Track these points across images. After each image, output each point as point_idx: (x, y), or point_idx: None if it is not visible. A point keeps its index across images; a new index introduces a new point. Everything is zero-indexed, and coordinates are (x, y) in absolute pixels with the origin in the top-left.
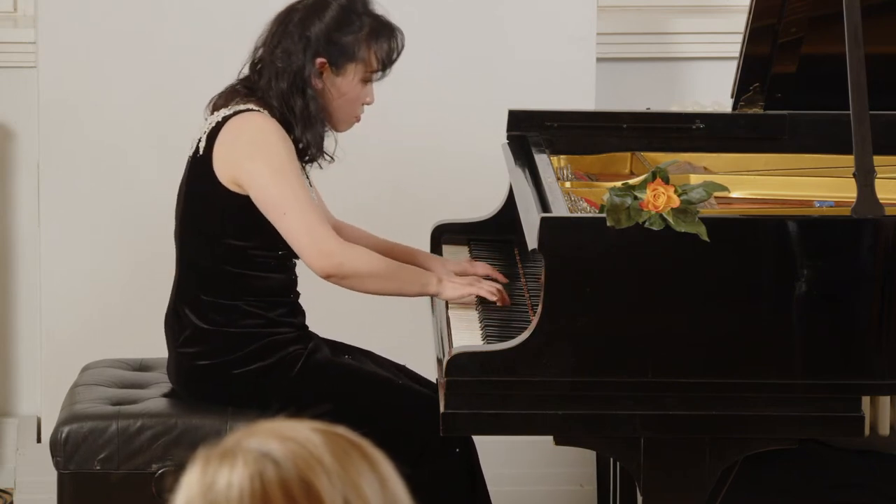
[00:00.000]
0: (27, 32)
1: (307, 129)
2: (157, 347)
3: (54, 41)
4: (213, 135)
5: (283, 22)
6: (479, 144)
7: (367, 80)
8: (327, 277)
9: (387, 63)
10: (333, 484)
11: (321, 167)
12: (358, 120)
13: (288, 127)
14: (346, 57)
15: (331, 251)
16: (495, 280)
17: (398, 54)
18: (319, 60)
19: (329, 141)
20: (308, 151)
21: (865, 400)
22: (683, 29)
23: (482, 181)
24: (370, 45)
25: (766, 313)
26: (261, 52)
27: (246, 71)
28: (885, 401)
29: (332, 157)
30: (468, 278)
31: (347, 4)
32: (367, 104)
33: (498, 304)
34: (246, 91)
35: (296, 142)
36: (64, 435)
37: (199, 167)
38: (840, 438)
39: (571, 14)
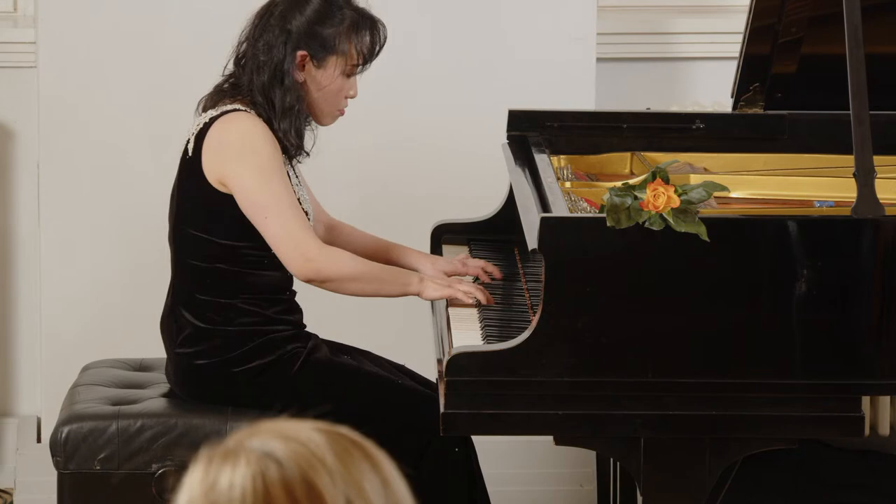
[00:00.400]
0: (27, 32)
1: (283, 120)
2: (156, 348)
3: (54, 41)
4: (200, 136)
5: (264, 16)
6: (479, 144)
7: (349, 74)
8: (308, 281)
9: (368, 56)
10: (336, 484)
11: (300, 162)
12: (342, 113)
13: (271, 123)
14: (326, 50)
15: (310, 256)
16: (491, 273)
17: (380, 47)
18: (300, 53)
19: (308, 136)
20: (289, 146)
21: (865, 400)
22: (683, 29)
23: (482, 181)
24: (351, 39)
25: (765, 313)
26: (244, 46)
27: (231, 67)
28: (885, 401)
29: (307, 153)
30: (450, 279)
31: None
32: (351, 97)
33: (483, 303)
34: (232, 90)
35: (278, 137)
36: (64, 435)
37: (189, 168)
38: (840, 438)
39: (571, 14)
